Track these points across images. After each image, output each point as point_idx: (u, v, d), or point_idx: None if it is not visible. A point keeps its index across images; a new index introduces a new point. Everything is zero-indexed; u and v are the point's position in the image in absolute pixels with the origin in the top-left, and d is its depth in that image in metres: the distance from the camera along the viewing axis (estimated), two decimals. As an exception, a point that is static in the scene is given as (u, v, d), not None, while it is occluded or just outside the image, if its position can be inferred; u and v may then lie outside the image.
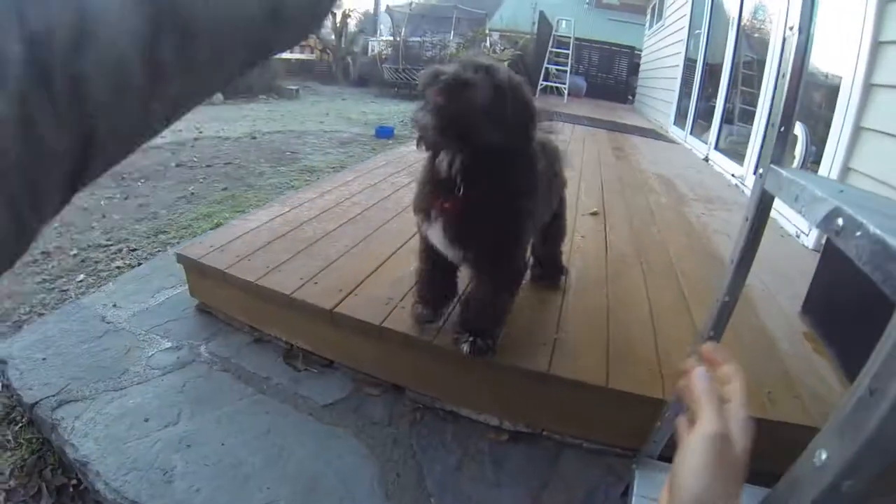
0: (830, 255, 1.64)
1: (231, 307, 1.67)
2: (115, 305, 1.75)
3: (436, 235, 1.18)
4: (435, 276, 1.35)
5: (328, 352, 1.54)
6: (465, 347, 1.27)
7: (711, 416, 0.39)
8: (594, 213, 2.44)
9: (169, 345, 1.57)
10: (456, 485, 1.22)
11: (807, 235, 2.47)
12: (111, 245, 2.47)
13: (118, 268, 2.24)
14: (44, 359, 1.46)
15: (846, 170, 2.22)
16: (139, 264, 2.23)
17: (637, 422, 1.20)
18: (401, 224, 2.07)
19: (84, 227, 2.63)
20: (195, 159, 4.03)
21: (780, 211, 2.78)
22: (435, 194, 1.15)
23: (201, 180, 3.53)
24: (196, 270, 1.68)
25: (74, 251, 2.36)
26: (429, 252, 1.29)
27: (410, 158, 3.18)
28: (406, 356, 1.42)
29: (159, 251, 2.41)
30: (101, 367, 1.46)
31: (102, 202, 3.01)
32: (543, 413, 1.36)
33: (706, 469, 0.37)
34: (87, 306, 1.74)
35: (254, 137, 5.00)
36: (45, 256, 2.29)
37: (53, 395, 1.34)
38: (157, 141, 4.53)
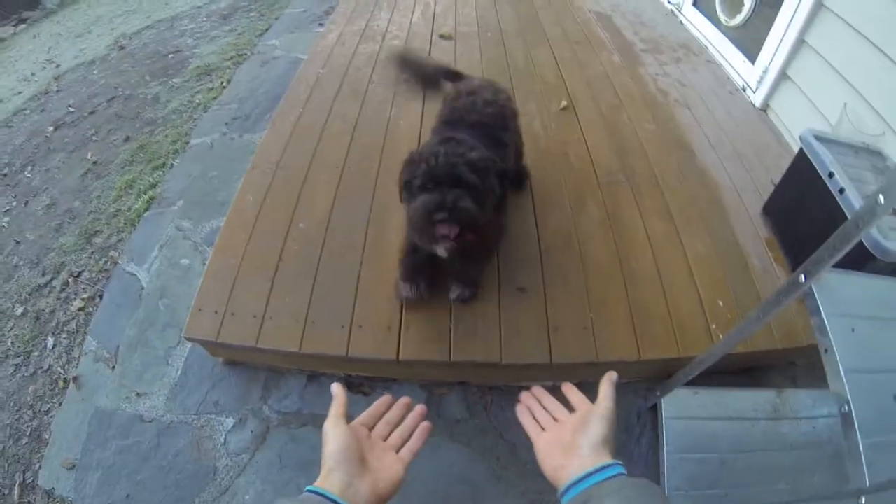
0: (799, 165, 1.58)
1: (268, 360, 1.50)
2: (137, 394, 1.52)
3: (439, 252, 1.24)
4: (424, 260, 1.35)
5: (391, 374, 1.50)
6: (452, 296, 1.39)
7: (611, 400, 0.72)
8: (565, 108, 2.15)
9: (232, 421, 1.44)
10: (541, 447, 1.40)
11: (754, 92, 2.32)
12: (51, 280, 1.99)
13: (80, 310, 1.85)
14: (127, 495, 1.33)
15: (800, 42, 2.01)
16: (99, 297, 1.86)
17: (657, 367, 1.38)
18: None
19: (6, 270, 2.07)
20: (71, 109, 2.98)
21: (728, 59, 2.57)
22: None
23: (94, 138, 2.69)
24: (214, 346, 1.45)
25: (18, 308, 1.90)
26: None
27: (338, 58, 2.48)
28: (471, 369, 1.43)
29: (107, 266, 1.99)
30: (189, 477, 1.34)
31: (4, 222, 2.31)
32: (589, 373, 1.44)
33: (609, 422, 0.68)
34: (110, 408, 1.50)
35: (122, 47, 3.65)
36: (-10, 333, 1.85)
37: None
38: (16, 101, 3.29)
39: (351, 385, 1.49)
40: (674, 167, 1.89)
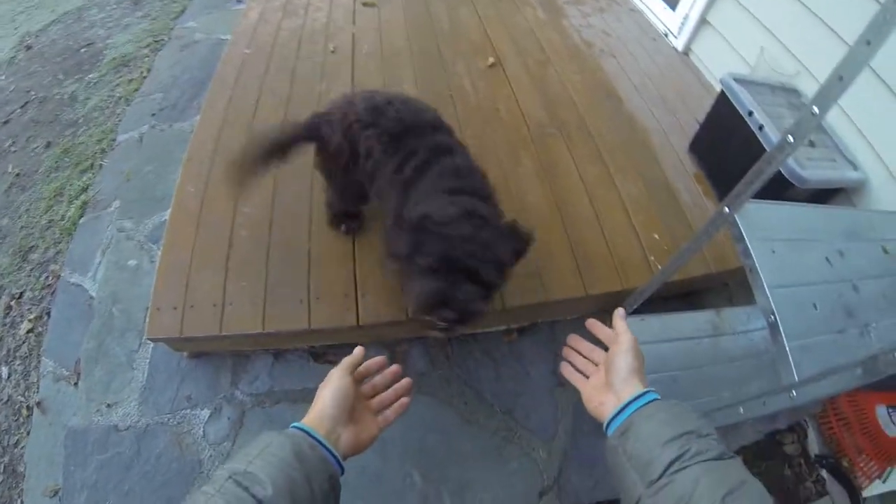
0: (720, 106, 1.64)
1: (233, 346, 1.46)
2: (108, 405, 1.43)
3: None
4: None
5: (353, 340, 1.46)
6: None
7: (628, 332, 0.75)
8: (492, 65, 2.10)
9: (207, 412, 1.40)
10: (503, 387, 1.45)
11: (676, 38, 2.34)
12: None
13: (29, 332, 1.70)
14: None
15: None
16: (47, 314, 1.73)
17: (604, 301, 1.42)
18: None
19: None
20: (-18, 120, 2.64)
21: (649, 6, 2.55)
22: None
23: (12, 149, 2.40)
24: (179, 342, 1.38)
25: None
26: None
27: (263, 37, 2.28)
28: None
29: (49, 281, 1.83)
30: (176, 475, 1.30)
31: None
32: (538, 314, 1.53)
33: (633, 352, 0.71)
34: (82, 426, 1.40)
35: (29, 47, 3.19)
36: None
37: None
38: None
39: (316, 355, 1.48)
40: (603, 115, 1.91)
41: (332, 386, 0.71)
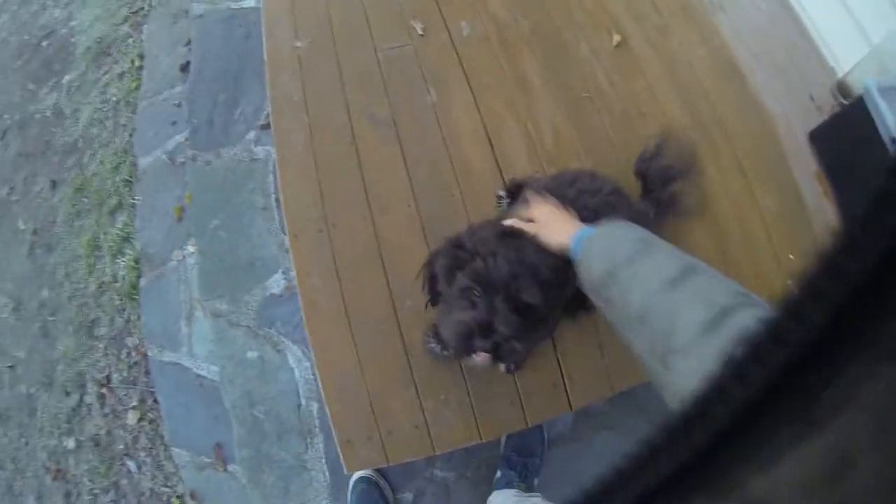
0: (855, 114, 1.51)
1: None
2: None
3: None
4: None
5: None
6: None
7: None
8: (619, 45, 1.79)
9: (410, 495, 1.45)
10: None
11: None
12: (81, 397, 1.72)
13: (141, 419, 1.64)
14: None
15: None
16: (153, 400, 1.64)
17: None
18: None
19: (21, 403, 1.76)
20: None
21: None
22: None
23: (13, 197, 2.03)
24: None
25: (67, 441, 1.66)
26: None
27: (308, 11, 1.76)
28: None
29: (135, 359, 1.71)
30: None
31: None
32: None
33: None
34: None
35: None
36: None
37: None
38: None
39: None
40: (734, 106, 1.73)
41: None
